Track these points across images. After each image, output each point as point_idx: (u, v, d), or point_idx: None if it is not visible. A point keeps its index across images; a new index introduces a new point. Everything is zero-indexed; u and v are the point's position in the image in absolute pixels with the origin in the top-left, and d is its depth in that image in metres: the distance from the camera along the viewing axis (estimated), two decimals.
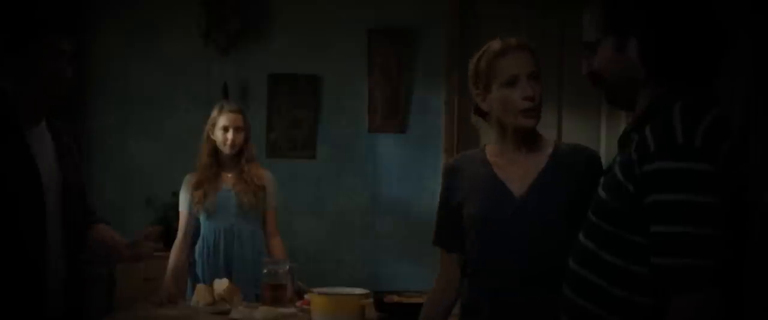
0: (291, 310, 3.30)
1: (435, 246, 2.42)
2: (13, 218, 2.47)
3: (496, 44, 2.23)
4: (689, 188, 1.42)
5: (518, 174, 2.22)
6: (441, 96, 5.10)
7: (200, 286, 3.50)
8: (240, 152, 3.81)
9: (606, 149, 4.94)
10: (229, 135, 3.75)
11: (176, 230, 3.90)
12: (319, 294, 3.07)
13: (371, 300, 3.11)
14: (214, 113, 3.81)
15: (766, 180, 3.82)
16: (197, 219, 3.84)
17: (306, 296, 3.34)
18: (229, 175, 3.82)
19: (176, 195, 3.92)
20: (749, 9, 4.21)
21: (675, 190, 1.42)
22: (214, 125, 3.79)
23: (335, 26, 5.16)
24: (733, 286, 1.51)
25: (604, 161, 2.12)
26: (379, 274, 5.02)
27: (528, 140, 2.25)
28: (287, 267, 3.52)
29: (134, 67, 5.19)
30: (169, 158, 5.08)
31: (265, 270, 3.49)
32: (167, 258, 3.80)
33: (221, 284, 3.47)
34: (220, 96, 4.90)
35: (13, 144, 2.49)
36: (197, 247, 3.85)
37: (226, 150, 3.77)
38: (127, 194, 5.15)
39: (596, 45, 1.69)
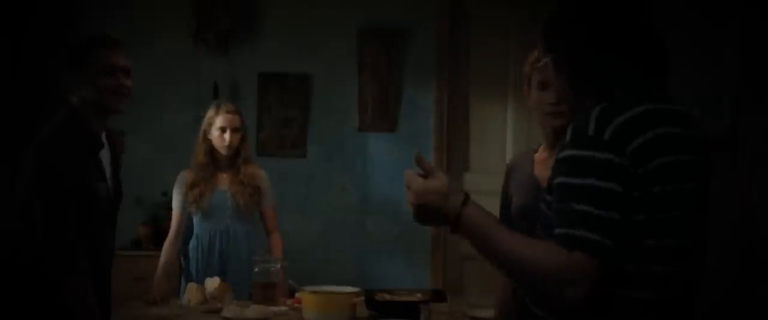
0: (282, 309, 3.31)
1: None
2: (95, 231, 2.62)
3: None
4: (591, 174, 1.52)
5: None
6: (431, 95, 5.11)
7: (191, 285, 3.49)
8: (236, 152, 3.80)
9: None
10: (227, 135, 3.74)
11: (166, 229, 3.90)
12: (310, 292, 3.09)
13: (362, 298, 3.13)
14: (211, 113, 3.79)
15: (754, 177, 3.87)
16: (190, 218, 3.84)
17: (297, 294, 3.36)
18: (225, 176, 3.81)
19: (166, 194, 3.92)
20: (743, 5, 4.22)
21: (580, 175, 1.53)
22: (211, 125, 3.77)
23: (325, 26, 5.16)
24: (683, 283, 1.59)
25: None
26: (370, 273, 5.03)
27: (563, 139, 2.30)
28: (278, 265, 3.53)
29: None
30: (159, 157, 5.08)
31: (256, 269, 3.49)
32: (158, 257, 3.80)
33: (212, 282, 3.47)
34: (211, 95, 4.90)
35: (92, 159, 2.65)
36: (191, 246, 3.84)
37: (223, 150, 3.76)
38: None
39: (544, 65, 1.80)
